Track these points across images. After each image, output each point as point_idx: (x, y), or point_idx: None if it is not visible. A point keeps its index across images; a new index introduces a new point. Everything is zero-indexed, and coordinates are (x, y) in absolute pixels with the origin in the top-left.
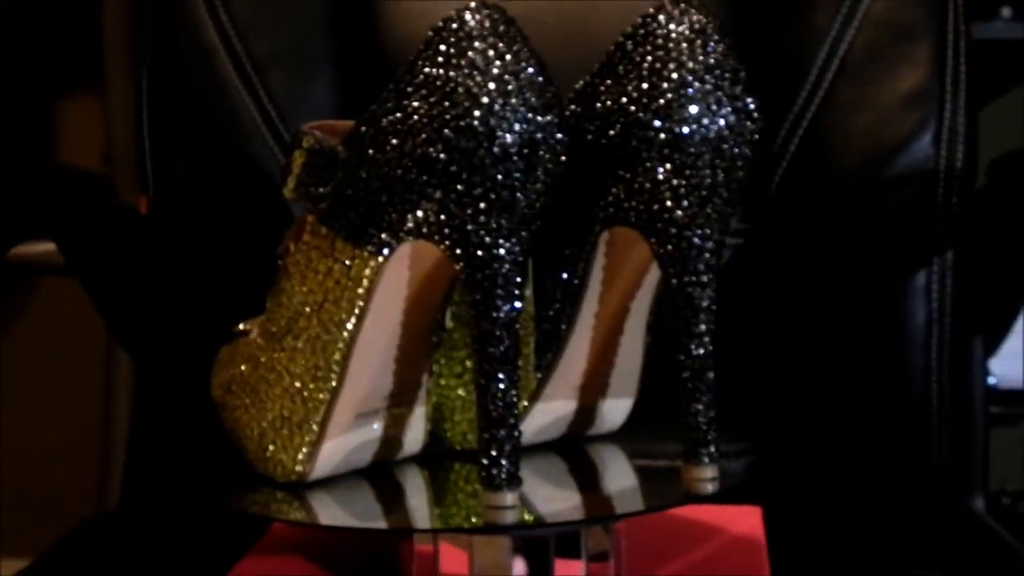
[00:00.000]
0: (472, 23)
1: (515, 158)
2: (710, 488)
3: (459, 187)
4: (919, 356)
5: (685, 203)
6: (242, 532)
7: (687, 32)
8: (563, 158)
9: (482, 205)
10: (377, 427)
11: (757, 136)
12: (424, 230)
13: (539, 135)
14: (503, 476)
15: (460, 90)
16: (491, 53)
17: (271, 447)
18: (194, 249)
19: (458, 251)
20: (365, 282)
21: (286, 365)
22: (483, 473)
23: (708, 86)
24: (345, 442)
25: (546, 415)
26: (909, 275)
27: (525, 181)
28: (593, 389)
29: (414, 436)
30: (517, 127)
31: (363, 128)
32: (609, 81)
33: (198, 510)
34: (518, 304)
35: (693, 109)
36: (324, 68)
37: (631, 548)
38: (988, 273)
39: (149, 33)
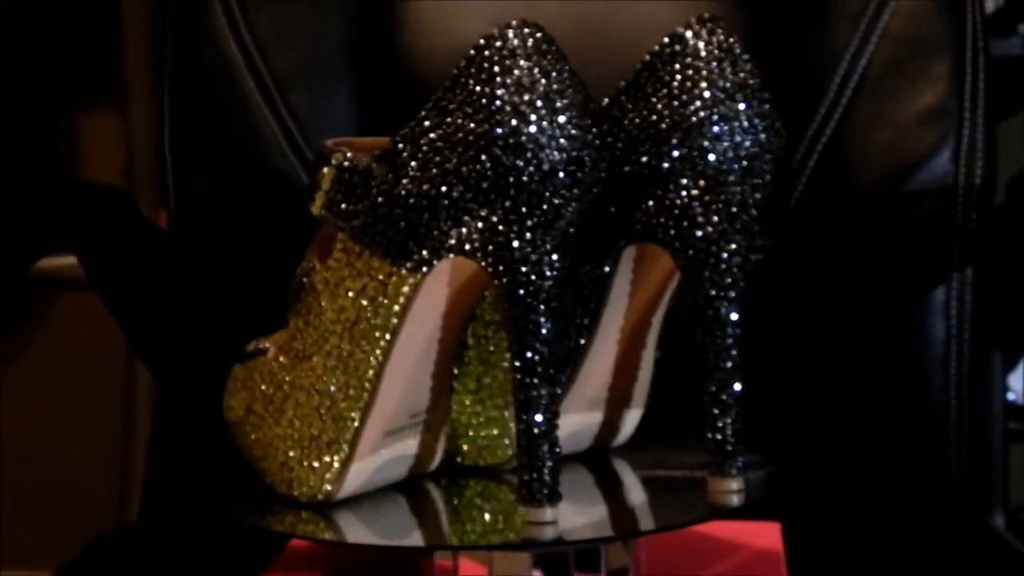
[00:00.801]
0: (516, 41)
1: (561, 175)
2: (735, 500)
3: (507, 204)
4: (938, 372)
5: (715, 220)
6: (261, 548)
7: (716, 51)
8: (603, 175)
9: (528, 223)
10: (401, 445)
11: (781, 153)
12: (467, 247)
13: (584, 152)
14: (544, 492)
15: (507, 108)
16: (536, 71)
17: (297, 467)
18: (214, 264)
19: (501, 268)
20: (402, 299)
21: (315, 384)
22: (523, 489)
23: (738, 104)
24: (372, 461)
25: (564, 429)
26: (928, 291)
27: (570, 198)
28: (612, 402)
29: (433, 454)
30: (565, 144)
31: (401, 145)
32: (637, 100)
33: (220, 525)
34: (557, 321)
35: (724, 127)
36: (344, 84)
37: (650, 563)
38: (1007, 289)
39: (170, 49)
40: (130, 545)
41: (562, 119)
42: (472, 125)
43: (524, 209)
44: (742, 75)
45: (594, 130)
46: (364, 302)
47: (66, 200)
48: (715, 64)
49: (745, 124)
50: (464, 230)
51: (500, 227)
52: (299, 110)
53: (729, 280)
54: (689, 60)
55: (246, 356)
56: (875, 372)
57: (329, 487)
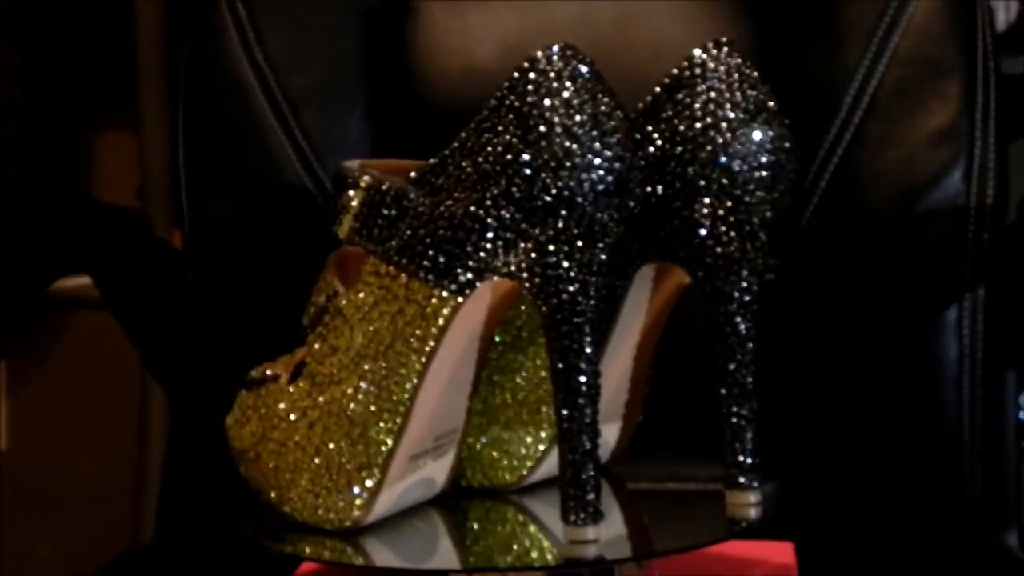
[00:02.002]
0: (560, 63)
1: (610, 196)
2: (754, 514)
3: (558, 225)
4: (951, 391)
5: (736, 239)
6: (273, 570)
7: (735, 75)
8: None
9: (577, 243)
10: (424, 469)
11: (796, 173)
12: (512, 268)
13: (630, 172)
14: (588, 510)
15: (558, 129)
16: (583, 93)
17: (324, 495)
18: (227, 283)
19: (547, 289)
20: (441, 321)
21: (346, 409)
22: (565, 508)
23: (757, 126)
24: (400, 486)
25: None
26: (940, 311)
27: (617, 219)
28: (613, 418)
29: (446, 476)
30: (613, 165)
31: (441, 166)
32: (657, 123)
33: (233, 547)
34: (599, 339)
35: (745, 149)
36: (357, 105)
37: None
38: (1019, 308)
39: (185, 70)
40: (146, 567)
41: (611, 140)
42: (522, 146)
43: (574, 230)
44: (760, 97)
45: (634, 151)
46: (400, 325)
47: (81, 221)
48: (735, 87)
49: (765, 146)
50: (510, 251)
51: (549, 248)
52: (312, 131)
53: (748, 298)
54: (709, 83)
55: (254, 383)
56: (888, 391)
57: (358, 513)
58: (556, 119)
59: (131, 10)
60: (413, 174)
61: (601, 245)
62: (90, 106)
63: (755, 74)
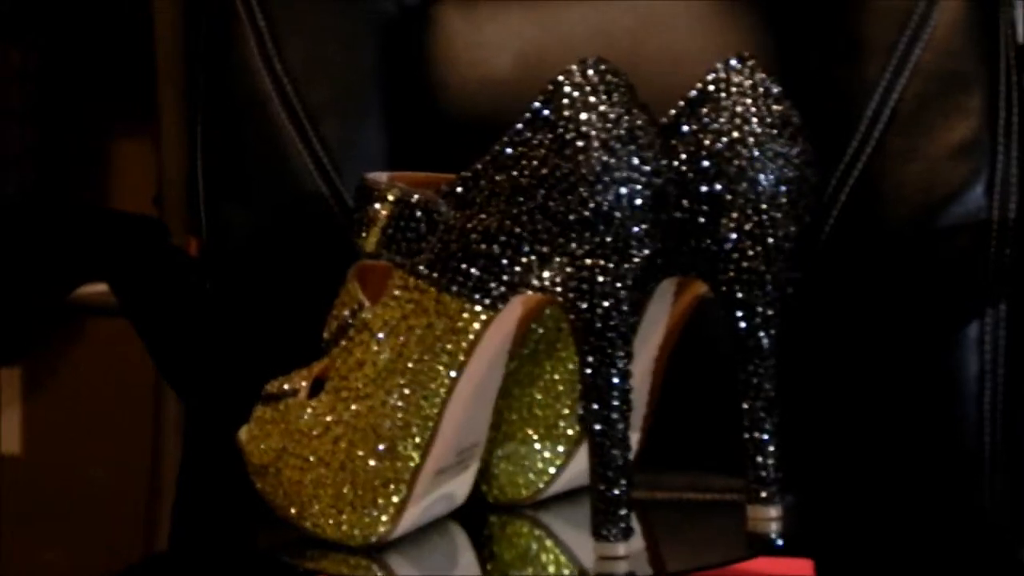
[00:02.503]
0: (596, 77)
1: (647, 211)
2: (774, 528)
3: (595, 240)
4: (972, 408)
5: (761, 254)
6: None
7: (759, 89)
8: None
9: (615, 258)
10: (448, 483)
11: (818, 188)
12: (547, 283)
13: (667, 186)
14: (620, 526)
15: (596, 143)
16: (620, 106)
17: (349, 511)
18: (244, 293)
19: (582, 304)
20: (472, 336)
21: (373, 424)
22: (596, 523)
23: (781, 141)
24: (425, 501)
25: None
26: (961, 326)
27: (654, 233)
28: (636, 428)
29: (466, 491)
30: (652, 179)
31: (473, 180)
32: (681, 137)
33: (253, 561)
34: (629, 350)
35: (770, 164)
36: (375, 115)
37: None
38: None
39: (203, 80)
40: (159, 573)
41: (647, 154)
42: (558, 160)
43: (610, 244)
44: (785, 112)
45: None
46: (430, 340)
47: (99, 229)
48: (760, 102)
49: (791, 160)
50: (545, 266)
51: (586, 262)
52: (331, 141)
53: (771, 311)
54: (733, 98)
55: (271, 398)
56: (908, 407)
57: (383, 530)
58: (593, 133)
59: (149, 18)
60: (443, 187)
61: (636, 259)
62: (107, 114)
63: (779, 89)
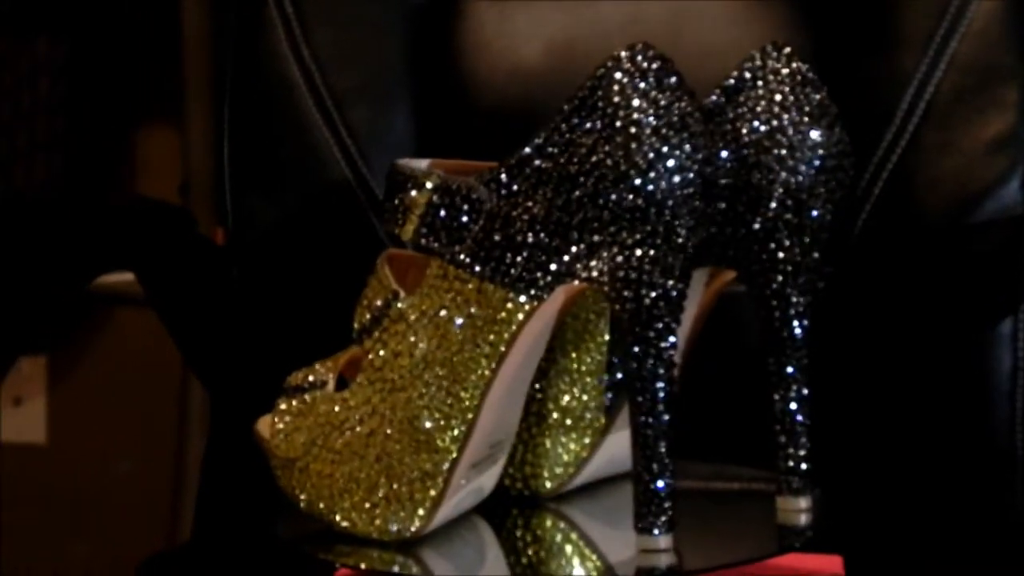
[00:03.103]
0: (644, 63)
1: (699, 199)
2: (804, 520)
3: (648, 228)
4: (1004, 405)
5: (798, 243)
6: (309, 570)
7: (797, 77)
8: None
9: (665, 247)
10: (479, 477)
11: (851, 177)
12: (593, 273)
13: (715, 174)
14: (663, 519)
15: (648, 130)
16: (670, 93)
17: (384, 505)
18: (271, 281)
19: (629, 294)
20: (514, 327)
21: (410, 416)
22: (640, 515)
23: (819, 129)
24: (458, 494)
25: (618, 446)
26: (995, 323)
27: (702, 221)
28: None
29: (493, 483)
30: (700, 166)
31: (517, 167)
32: (719, 125)
33: (276, 552)
34: (675, 340)
35: (810, 154)
36: (403, 103)
37: None
38: None
39: (231, 67)
40: (182, 564)
41: (698, 141)
42: (608, 148)
43: (661, 233)
44: (823, 101)
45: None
46: (470, 330)
47: (124, 217)
48: (797, 90)
49: (830, 149)
50: (593, 255)
51: (636, 252)
52: (358, 129)
53: (805, 302)
54: (771, 87)
55: (295, 390)
56: (940, 404)
57: (418, 524)
58: (645, 120)
59: (177, 6)
60: (484, 174)
61: (685, 249)
62: (135, 102)
63: (815, 77)
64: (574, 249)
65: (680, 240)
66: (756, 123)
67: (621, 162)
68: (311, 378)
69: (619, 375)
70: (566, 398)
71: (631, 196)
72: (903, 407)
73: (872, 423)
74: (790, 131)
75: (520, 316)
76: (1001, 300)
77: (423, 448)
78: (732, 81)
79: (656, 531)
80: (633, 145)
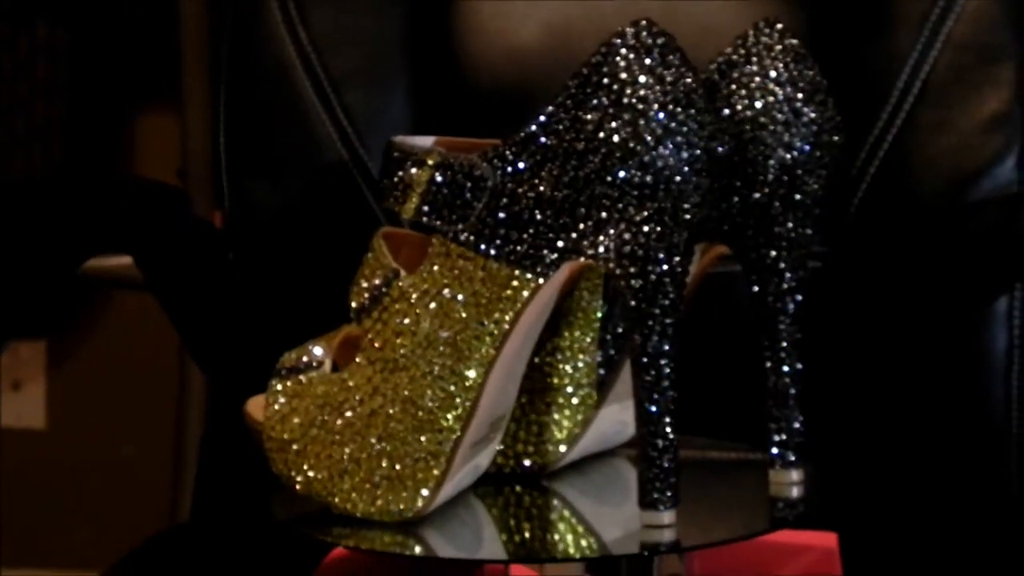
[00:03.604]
0: (649, 39)
1: (702, 175)
2: (795, 492)
3: (656, 205)
4: (999, 383)
5: (792, 219)
6: (304, 554)
7: (792, 54)
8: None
9: (671, 224)
10: (479, 455)
11: (840, 154)
12: (600, 250)
13: (720, 149)
14: (667, 495)
15: (655, 105)
16: (675, 69)
17: (386, 485)
18: (268, 264)
19: (633, 270)
20: (519, 305)
21: (413, 395)
22: (646, 492)
23: (812, 104)
24: (459, 474)
25: (608, 421)
26: (990, 301)
27: (706, 197)
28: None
29: (488, 462)
30: (712, 144)
31: (522, 144)
32: (714, 100)
33: (271, 532)
34: (679, 319)
35: (805, 130)
36: (400, 85)
37: (704, 571)
38: None
39: (227, 49)
40: (179, 545)
41: (704, 117)
42: (616, 124)
43: (669, 210)
44: (816, 77)
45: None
46: (474, 309)
47: (121, 198)
48: (792, 66)
49: (823, 125)
50: (600, 232)
51: (643, 228)
52: (354, 110)
53: (798, 277)
54: (764, 63)
55: (290, 371)
56: (935, 382)
57: (421, 505)
58: (651, 96)
59: None
60: (488, 151)
61: (689, 225)
62: (133, 86)
63: (807, 53)
64: (581, 226)
65: (687, 216)
66: (751, 99)
67: (629, 139)
68: (305, 358)
69: (611, 351)
70: (560, 375)
71: (639, 172)
72: (899, 385)
73: (868, 401)
74: (785, 107)
75: (525, 294)
76: (996, 278)
77: (426, 427)
78: (725, 58)
79: (661, 507)
80: (641, 121)
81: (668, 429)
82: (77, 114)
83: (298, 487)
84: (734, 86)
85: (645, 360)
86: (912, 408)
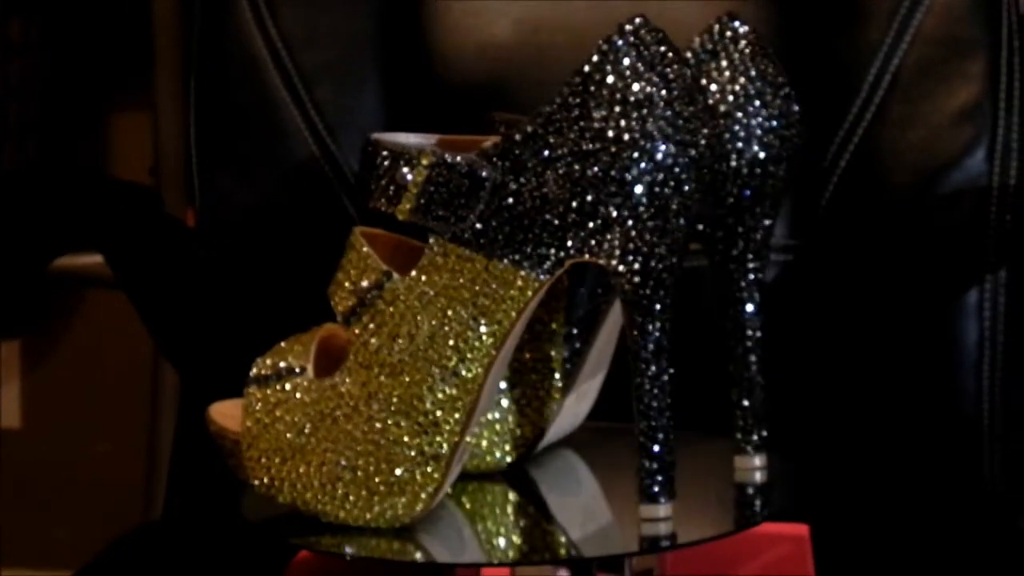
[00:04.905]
0: (648, 36)
1: (705, 171)
2: (759, 477)
3: (661, 204)
4: (971, 375)
5: (760, 212)
6: (271, 554)
7: (756, 48)
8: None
9: (674, 221)
10: (467, 454)
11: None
12: (604, 247)
13: (713, 147)
14: (664, 488)
15: (661, 104)
16: (675, 65)
17: (384, 491)
18: (240, 261)
19: (636, 267)
20: (522, 304)
21: (413, 398)
22: (645, 486)
23: (778, 99)
24: (453, 475)
25: (568, 414)
26: (961, 293)
27: (704, 194)
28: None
29: (464, 459)
30: (712, 140)
31: (523, 143)
32: None
33: (240, 531)
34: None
35: (769, 123)
36: (371, 81)
37: (676, 565)
38: None
39: (197, 46)
40: (151, 543)
41: (704, 115)
42: (623, 121)
43: (675, 209)
44: (774, 69)
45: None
46: (476, 310)
47: (92, 197)
48: (758, 60)
49: (787, 117)
50: (607, 231)
51: (649, 225)
52: (326, 107)
53: (762, 265)
54: (732, 57)
55: (267, 379)
56: (907, 374)
57: (420, 508)
58: (656, 93)
59: None
60: (487, 149)
61: (691, 222)
62: (105, 84)
63: (767, 47)
64: (590, 225)
65: (688, 212)
66: (721, 93)
67: (639, 136)
68: (282, 364)
69: (576, 344)
70: (524, 372)
71: (650, 169)
72: (871, 377)
73: (840, 393)
74: (755, 100)
75: (530, 293)
76: (967, 270)
77: (429, 430)
78: (690, 54)
79: (662, 500)
80: (650, 119)
81: (667, 424)
82: (51, 112)
83: (282, 498)
84: (704, 80)
85: (647, 356)
86: (884, 400)
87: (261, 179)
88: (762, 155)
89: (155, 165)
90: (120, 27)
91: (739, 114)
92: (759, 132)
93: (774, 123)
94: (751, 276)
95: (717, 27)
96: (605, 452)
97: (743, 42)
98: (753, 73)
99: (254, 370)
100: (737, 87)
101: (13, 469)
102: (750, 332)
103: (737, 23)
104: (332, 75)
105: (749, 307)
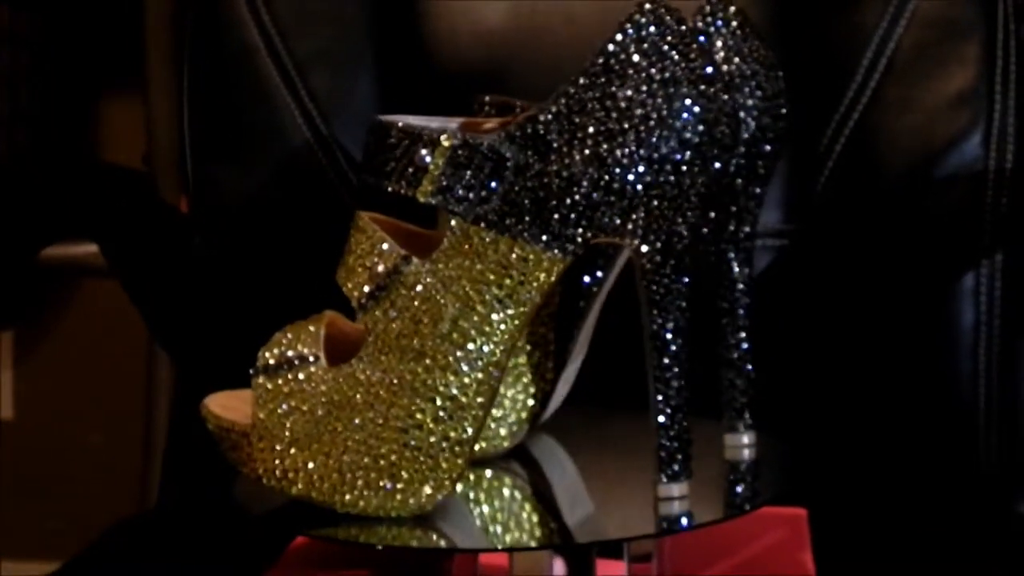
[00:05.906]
0: (667, 17)
1: (737, 148)
2: (746, 455)
3: (688, 182)
4: (967, 359)
5: (753, 191)
6: (267, 541)
7: (747, 28)
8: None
9: (695, 200)
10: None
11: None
12: (628, 227)
13: (733, 125)
14: (680, 468)
15: (685, 83)
16: (696, 44)
17: (405, 479)
18: (234, 248)
19: (658, 245)
20: (547, 286)
21: (437, 383)
22: (663, 466)
23: (769, 78)
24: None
25: (557, 397)
26: (957, 277)
27: (722, 170)
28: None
29: None
30: (731, 117)
31: (549, 123)
32: None
33: (235, 519)
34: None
35: (762, 103)
36: (365, 67)
37: (674, 549)
38: None
39: (191, 33)
40: (144, 532)
41: (724, 94)
42: (650, 100)
43: (699, 184)
44: (765, 47)
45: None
46: (502, 291)
47: (84, 184)
48: (751, 39)
49: (778, 96)
50: (633, 211)
51: (675, 205)
52: (320, 94)
53: (753, 244)
54: (725, 37)
55: (276, 368)
56: (903, 359)
57: (444, 494)
58: (681, 72)
59: None
60: (510, 130)
61: (702, 199)
62: (98, 72)
63: (758, 28)
64: (618, 206)
65: (704, 190)
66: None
67: (667, 115)
68: (290, 353)
69: (571, 329)
70: (518, 355)
71: (680, 148)
72: (867, 361)
73: (836, 377)
74: (751, 81)
75: (555, 274)
76: (962, 254)
77: (454, 415)
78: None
79: (682, 479)
80: (676, 98)
81: (683, 404)
82: (42, 101)
83: (294, 490)
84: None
85: (667, 337)
86: (880, 384)
87: (255, 166)
88: (756, 134)
89: (148, 153)
90: (112, 13)
91: (740, 92)
92: (755, 112)
93: (766, 102)
94: (743, 255)
95: (708, 7)
96: (591, 437)
97: (733, 23)
98: (745, 51)
99: (261, 359)
100: (732, 67)
101: (7, 460)
102: (742, 311)
103: (727, 3)
104: (326, 61)
105: (740, 287)
